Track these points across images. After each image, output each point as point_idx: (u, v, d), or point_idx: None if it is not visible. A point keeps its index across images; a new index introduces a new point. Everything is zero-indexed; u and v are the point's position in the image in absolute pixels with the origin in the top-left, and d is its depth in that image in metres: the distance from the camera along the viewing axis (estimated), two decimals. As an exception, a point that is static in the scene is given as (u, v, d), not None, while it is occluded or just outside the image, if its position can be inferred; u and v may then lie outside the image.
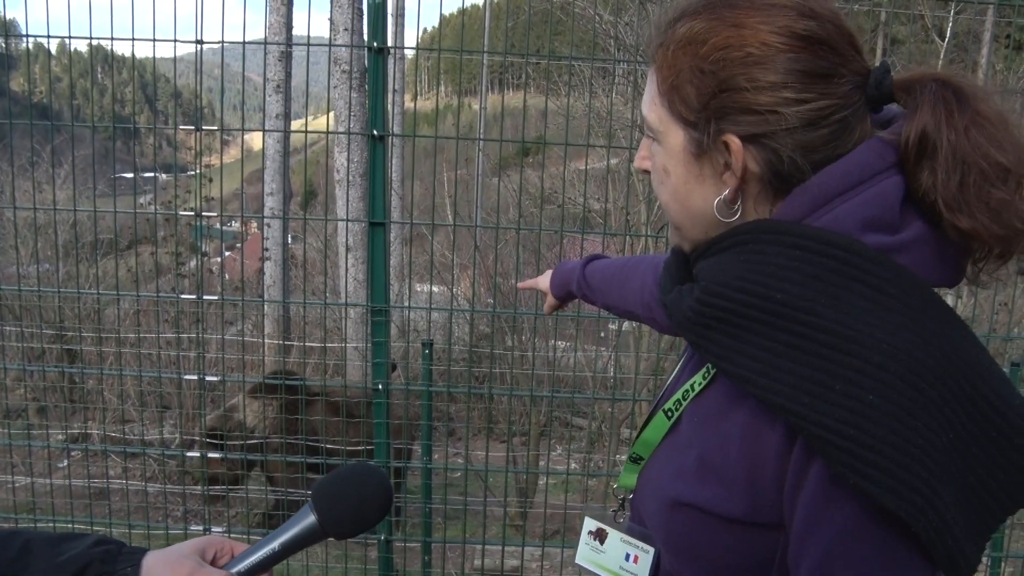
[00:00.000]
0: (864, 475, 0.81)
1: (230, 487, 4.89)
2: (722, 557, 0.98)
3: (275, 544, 1.04)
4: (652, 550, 1.10)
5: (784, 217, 0.94)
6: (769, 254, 0.92)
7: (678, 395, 1.07)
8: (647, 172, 1.08)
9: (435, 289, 8.34)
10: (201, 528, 3.95)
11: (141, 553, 1.03)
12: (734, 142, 0.93)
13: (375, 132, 3.22)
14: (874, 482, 0.80)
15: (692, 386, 1.05)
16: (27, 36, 3.76)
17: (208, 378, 4.09)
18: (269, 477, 5.48)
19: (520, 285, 2.13)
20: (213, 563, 1.06)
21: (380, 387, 3.44)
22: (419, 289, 9.55)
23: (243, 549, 1.07)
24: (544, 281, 1.94)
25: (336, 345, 6.92)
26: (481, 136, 9.78)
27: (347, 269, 6.43)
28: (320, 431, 4.48)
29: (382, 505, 1.08)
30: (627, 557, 1.13)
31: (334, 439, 4.47)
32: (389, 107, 3.17)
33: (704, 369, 1.05)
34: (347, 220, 3.84)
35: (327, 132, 5.53)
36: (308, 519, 1.04)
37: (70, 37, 3.44)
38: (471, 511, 4.34)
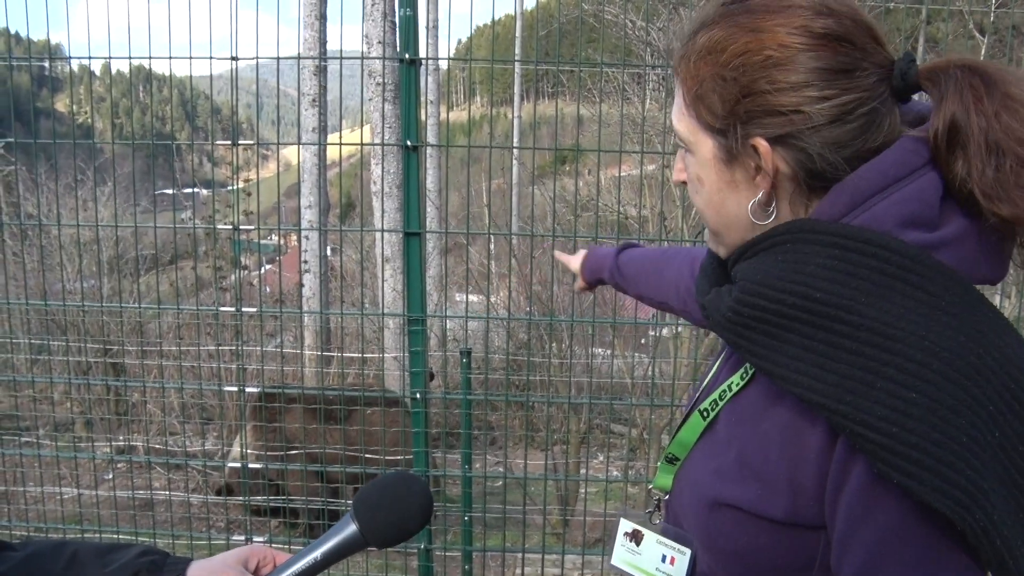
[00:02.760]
0: (908, 473, 0.79)
1: (270, 498, 4.94)
2: (762, 558, 0.97)
3: (317, 553, 1.04)
4: (688, 551, 1.09)
5: (821, 216, 0.94)
6: (807, 253, 0.91)
7: (715, 395, 1.07)
8: (685, 184, 1.08)
9: (473, 298, 8.36)
10: (243, 538, 3.99)
11: (185, 563, 1.05)
12: (762, 145, 0.93)
13: (409, 143, 3.24)
14: (918, 480, 0.79)
15: (730, 386, 1.05)
16: (70, 58, 3.84)
17: (248, 389, 4.13)
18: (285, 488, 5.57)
19: (557, 255, 2.11)
20: (256, 572, 1.08)
21: (418, 396, 3.45)
22: (458, 299, 9.58)
23: (285, 558, 1.08)
24: (577, 262, 1.94)
25: (375, 355, 6.96)
26: (515, 144, 9.80)
27: (384, 280, 6.47)
28: (304, 437, 4.59)
29: (423, 513, 1.09)
30: (663, 559, 1.13)
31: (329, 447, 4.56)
32: (423, 118, 3.18)
33: (742, 369, 1.04)
34: (382, 231, 3.87)
35: (360, 144, 5.57)
36: (349, 528, 1.05)
37: (110, 58, 3.52)
38: (511, 519, 4.33)
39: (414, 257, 3.38)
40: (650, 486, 1.17)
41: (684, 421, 1.12)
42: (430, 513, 1.10)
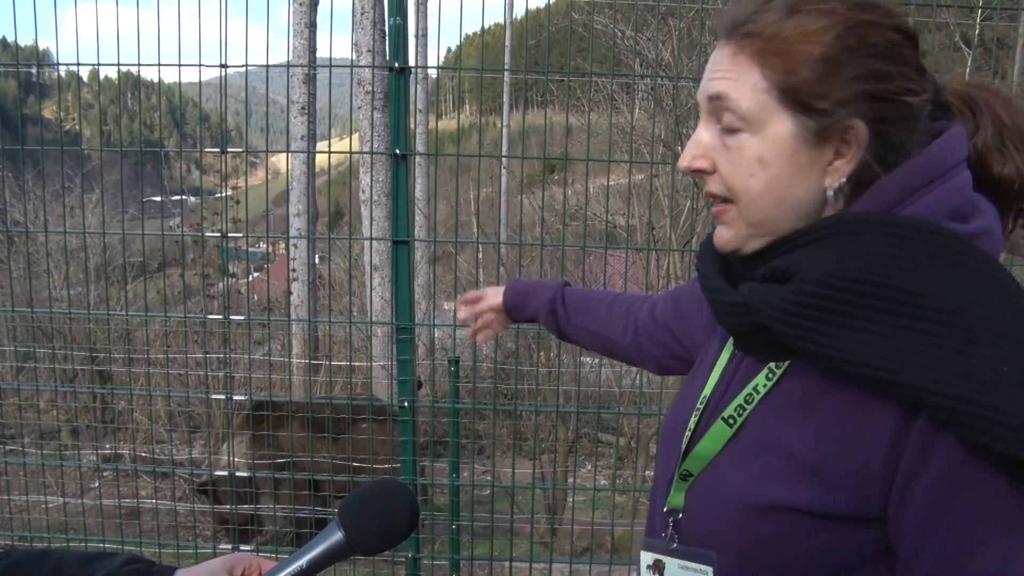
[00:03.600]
0: (1012, 441, 0.82)
1: (257, 506, 4.92)
2: (811, 560, 0.96)
3: (302, 561, 1.04)
4: (710, 569, 1.06)
5: (869, 209, 0.97)
6: (867, 243, 0.93)
7: (739, 400, 1.05)
8: (700, 172, 1.03)
9: (461, 307, 8.32)
10: (230, 547, 3.96)
11: (171, 571, 1.04)
12: (860, 128, 0.95)
13: (397, 151, 3.25)
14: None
15: (755, 388, 1.04)
16: (58, 65, 3.83)
17: (236, 397, 4.12)
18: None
19: (466, 299, 1.91)
20: (241, 581, 1.07)
21: (405, 405, 3.45)
22: (447, 307, 9.57)
23: (271, 567, 1.07)
24: (493, 290, 1.84)
25: (363, 364, 6.95)
26: (504, 153, 9.82)
27: (372, 288, 6.46)
28: (298, 448, 4.58)
29: (409, 521, 1.08)
30: None
31: (323, 456, 4.57)
32: (412, 127, 3.18)
33: (766, 370, 1.03)
34: (371, 239, 3.87)
35: (350, 152, 5.57)
36: (335, 536, 1.04)
37: (98, 64, 3.51)
38: (499, 528, 4.33)
39: (402, 265, 3.38)
40: (665, 509, 1.13)
41: (700, 435, 1.09)
42: (416, 521, 1.10)
